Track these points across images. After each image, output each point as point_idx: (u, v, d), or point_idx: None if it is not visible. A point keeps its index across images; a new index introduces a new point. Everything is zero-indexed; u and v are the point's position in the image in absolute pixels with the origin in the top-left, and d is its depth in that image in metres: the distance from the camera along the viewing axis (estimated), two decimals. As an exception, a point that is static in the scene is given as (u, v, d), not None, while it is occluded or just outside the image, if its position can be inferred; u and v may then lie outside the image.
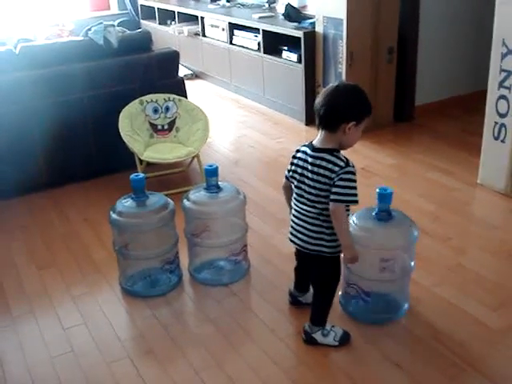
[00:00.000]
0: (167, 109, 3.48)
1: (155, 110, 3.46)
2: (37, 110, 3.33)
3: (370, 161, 3.74)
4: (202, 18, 5.66)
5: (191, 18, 5.96)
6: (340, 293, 2.32)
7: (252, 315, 2.34)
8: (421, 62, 4.34)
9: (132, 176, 2.40)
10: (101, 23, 3.62)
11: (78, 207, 3.31)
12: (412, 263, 2.23)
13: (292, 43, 4.42)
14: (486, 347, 2.09)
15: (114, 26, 3.66)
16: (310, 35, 4.24)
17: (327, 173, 1.92)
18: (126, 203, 2.42)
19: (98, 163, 3.61)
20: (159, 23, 6.57)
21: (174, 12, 6.25)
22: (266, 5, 5.43)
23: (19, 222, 3.16)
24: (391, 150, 3.91)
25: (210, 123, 3.50)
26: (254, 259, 2.68)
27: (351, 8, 3.86)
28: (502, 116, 3.10)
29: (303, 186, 2.00)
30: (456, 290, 2.41)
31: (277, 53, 4.66)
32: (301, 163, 2.00)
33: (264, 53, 4.77)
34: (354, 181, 1.92)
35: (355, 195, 1.92)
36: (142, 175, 2.43)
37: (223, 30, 5.31)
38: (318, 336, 2.11)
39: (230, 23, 5.18)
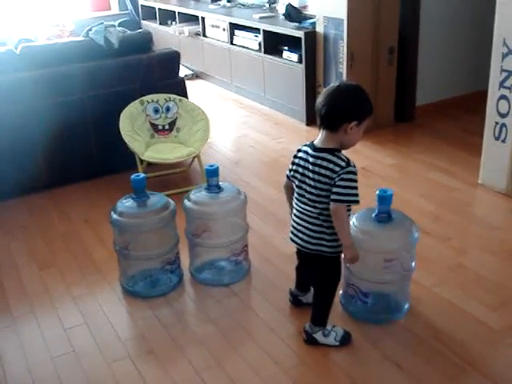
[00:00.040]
0: (168, 109, 3.48)
1: (156, 110, 3.46)
2: (37, 110, 3.33)
3: (371, 161, 3.74)
4: (203, 18, 5.66)
5: (192, 18, 5.96)
6: (340, 292, 2.32)
7: (253, 315, 2.35)
8: (421, 62, 4.34)
9: (133, 176, 2.40)
10: (101, 23, 3.62)
11: (79, 208, 3.31)
12: (413, 263, 2.23)
13: (293, 43, 4.42)
14: (487, 347, 2.09)
15: (114, 26, 3.66)
16: (311, 35, 4.24)
17: (328, 173, 1.92)
18: (126, 203, 2.42)
19: (98, 163, 3.61)
20: (160, 23, 6.57)
21: (174, 12, 6.25)
22: (267, 5, 5.43)
23: (19, 223, 3.17)
24: (392, 150, 3.91)
25: (210, 123, 3.50)
26: (254, 259, 2.69)
27: (352, 8, 3.86)
28: (503, 116, 3.10)
29: (304, 186, 2.00)
30: (456, 290, 2.41)
31: (277, 53, 4.66)
32: (302, 163, 2.01)
33: (265, 53, 4.77)
34: (355, 181, 1.92)
35: (356, 195, 1.92)
36: (142, 175, 2.43)
37: (224, 30, 5.31)
38: (318, 336, 2.11)
39: (230, 23, 5.18)
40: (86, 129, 3.51)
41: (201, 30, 5.75)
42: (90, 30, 3.62)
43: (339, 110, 1.90)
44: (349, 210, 1.99)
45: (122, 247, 2.45)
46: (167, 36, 6.32)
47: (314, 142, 1.99)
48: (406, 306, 2.29)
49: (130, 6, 6.99)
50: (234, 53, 5.26)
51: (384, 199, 2.11)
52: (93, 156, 3.58)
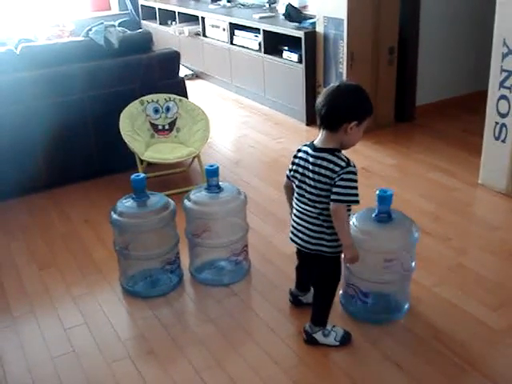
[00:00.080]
0: (168, 109, 3.48)
1: (156, 110, 3.46)
2: (37, 110, 3.33)
3: (371, 161, 3.74)
4: (203, 18, 5.66)
5: (192, 18, 5.96)
6: (340, 292, 2.32)
7: (253, 315, 2.35)
8: (421, 62, 4.34)
9: (133, 176, 2.40)
10: (101, 23, 3.62)
11: (79, 208, 3.31)
12: (413, 263, 2.23)
13: (293, 43, 4.42)
14: (487, 347, 2.09)
15: (114, 26, 3.66)
16: (311, 35, 4.24)
17: (328, 173, 1.92)
18: (126, 203, 2.42)
19: (98, 163, 3.61)
20: (160, 23, 6.57)
21: (174, 12, 6.25)
22: (267, 5, 5.43)
23: (19, 223, 3.17)
24: (392, 150, 3.91)
25: (210, 123, 3.50)
26: (254, 259, 2.69)
27: (352, 8, 3.86)
28: (503, 116, 3.10)
29: (304, 186, 2.00)
30: (456, 290, 2.41)
31: (277, 53, 4.66)
32: (302, 163, 2.01)
33: (265, 53, 4.77)
34: (355, 181, 1.92)
35: (356, 195, 1.92)
36: (142, 175, 2.43)
37: (224, 30, 5.31)
38: (318, 336, 2.11)
39: (230, 23, 5.18)
40: (86, 129, 3.51)
41: (201, 29, 5.74)
42: (90, 30, 3.62)
43: (339, 110, 1.91)
44: (349, 210, 1.99)
45: (122, 247, 2.45)
46: (167, 36, 6.32)
47: (314, 142, 1.99)
48: (406, 306, 2.29)
49: (130, 6, 6.99)
50: (234, 53, 5.26)
51: (384, 199, 2.11)
52: (93, 156, 3.58)
